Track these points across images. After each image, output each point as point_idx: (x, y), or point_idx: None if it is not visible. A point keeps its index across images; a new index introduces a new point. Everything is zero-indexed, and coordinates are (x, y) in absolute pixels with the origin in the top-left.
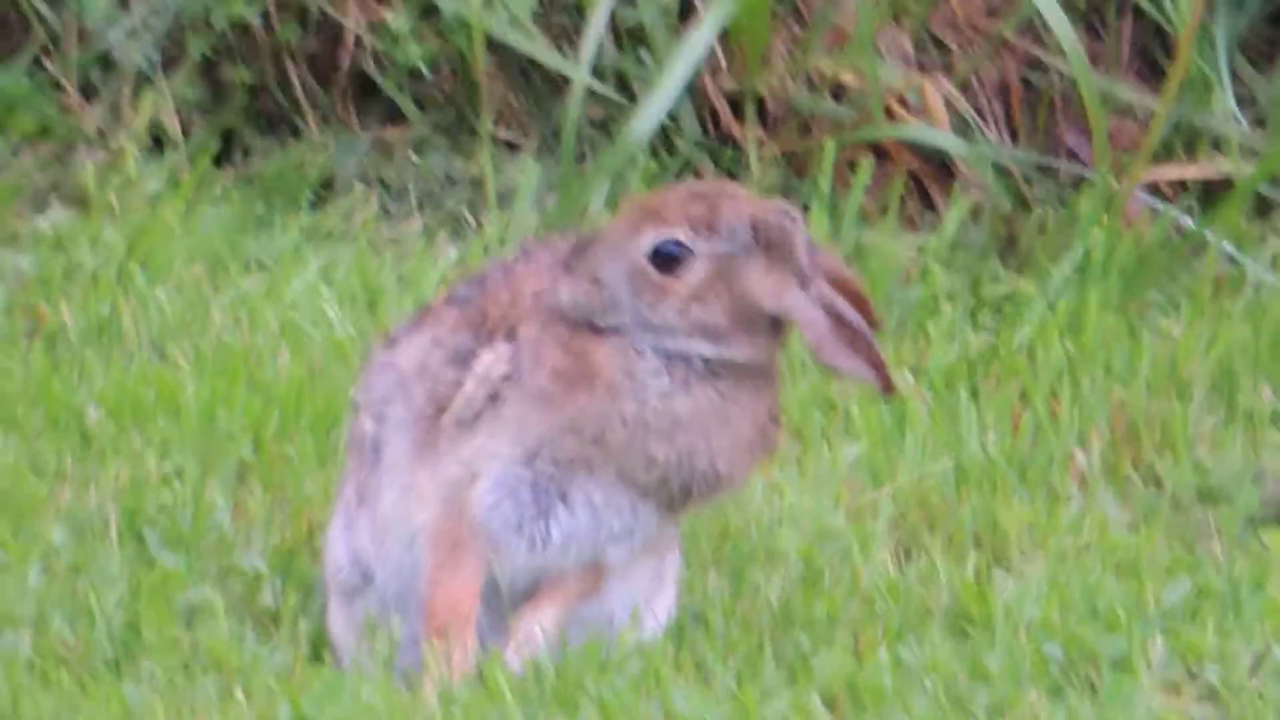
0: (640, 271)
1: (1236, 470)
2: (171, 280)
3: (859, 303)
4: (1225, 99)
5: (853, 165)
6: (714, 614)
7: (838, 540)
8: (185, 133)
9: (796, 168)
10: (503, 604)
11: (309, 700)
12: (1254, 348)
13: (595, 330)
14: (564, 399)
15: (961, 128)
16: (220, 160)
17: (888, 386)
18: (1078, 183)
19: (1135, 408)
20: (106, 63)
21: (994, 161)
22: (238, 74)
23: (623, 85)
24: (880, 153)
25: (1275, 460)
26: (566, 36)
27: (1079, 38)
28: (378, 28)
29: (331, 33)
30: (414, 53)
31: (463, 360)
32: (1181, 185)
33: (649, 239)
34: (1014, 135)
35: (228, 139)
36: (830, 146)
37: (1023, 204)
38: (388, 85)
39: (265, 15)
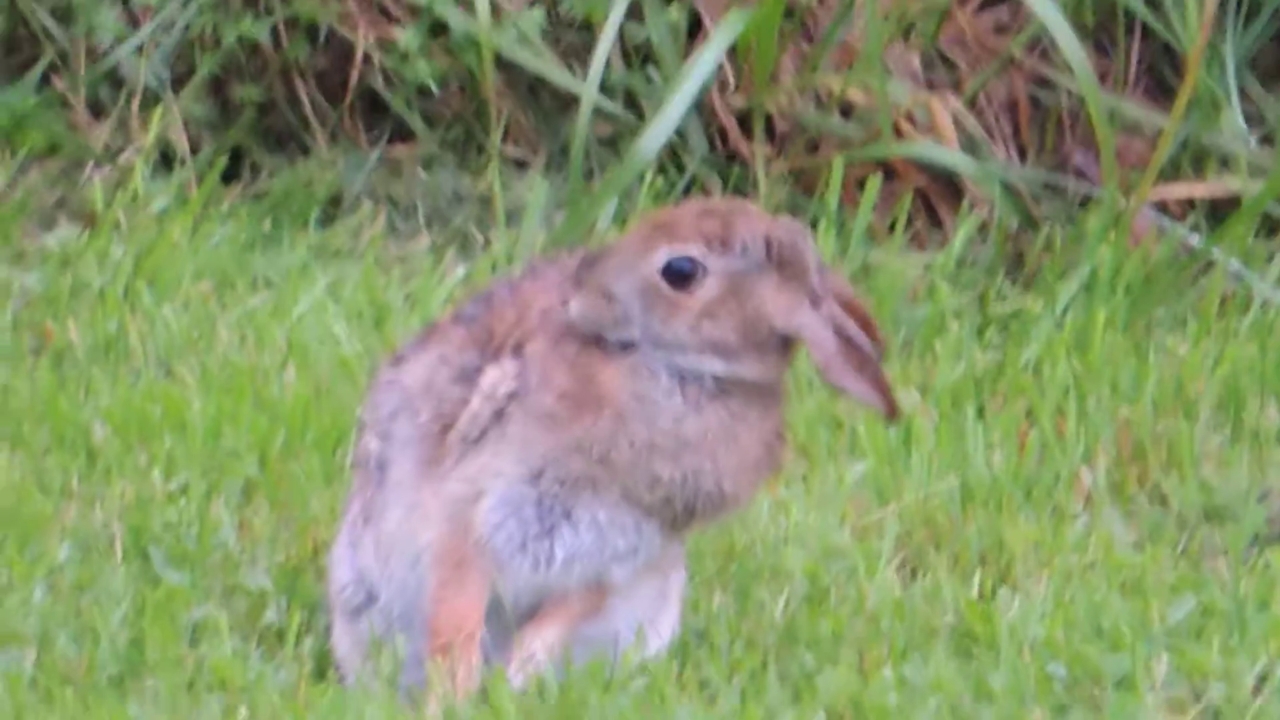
0: (653, 287)
1: (1242, 489)
2: (178, 298)
3: (865, 324)
4: (1233, 117)
5: (861, 183)
6: (719, 632)
7: (843, 558)
8: (194, 150)
9: (804, 185)
10: (507, 622)
11: (314, 718)
12: (1260, 366)
13: (604, 347)
14: (570, 420)
15: (969, 146)
16: (228, 178)
17: (892, 410)
18: (1085, 201)
19: (1141, 426)
20: (115, 80)
21: (1002, 179)
22: (246, 91)
23: (631, 103)
24: (888, 171)
25: None
26: (575, 54)
27: (1087, 56)
28: (387, 45)
29: (340, 50)
30: (423, 70)
31: (469, 378)
32: (1189, 203)
33: (662, 254)
34: (1022, 153)
35: (236, 156)
36: (838, 164)
37: (1030, 222)
38: (396, 103)
39: (274, 33)
